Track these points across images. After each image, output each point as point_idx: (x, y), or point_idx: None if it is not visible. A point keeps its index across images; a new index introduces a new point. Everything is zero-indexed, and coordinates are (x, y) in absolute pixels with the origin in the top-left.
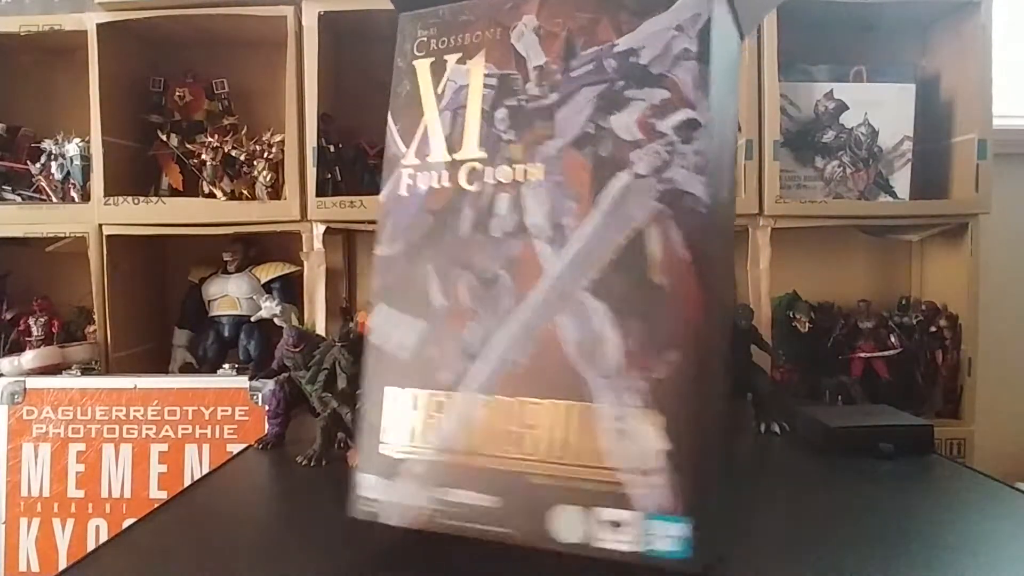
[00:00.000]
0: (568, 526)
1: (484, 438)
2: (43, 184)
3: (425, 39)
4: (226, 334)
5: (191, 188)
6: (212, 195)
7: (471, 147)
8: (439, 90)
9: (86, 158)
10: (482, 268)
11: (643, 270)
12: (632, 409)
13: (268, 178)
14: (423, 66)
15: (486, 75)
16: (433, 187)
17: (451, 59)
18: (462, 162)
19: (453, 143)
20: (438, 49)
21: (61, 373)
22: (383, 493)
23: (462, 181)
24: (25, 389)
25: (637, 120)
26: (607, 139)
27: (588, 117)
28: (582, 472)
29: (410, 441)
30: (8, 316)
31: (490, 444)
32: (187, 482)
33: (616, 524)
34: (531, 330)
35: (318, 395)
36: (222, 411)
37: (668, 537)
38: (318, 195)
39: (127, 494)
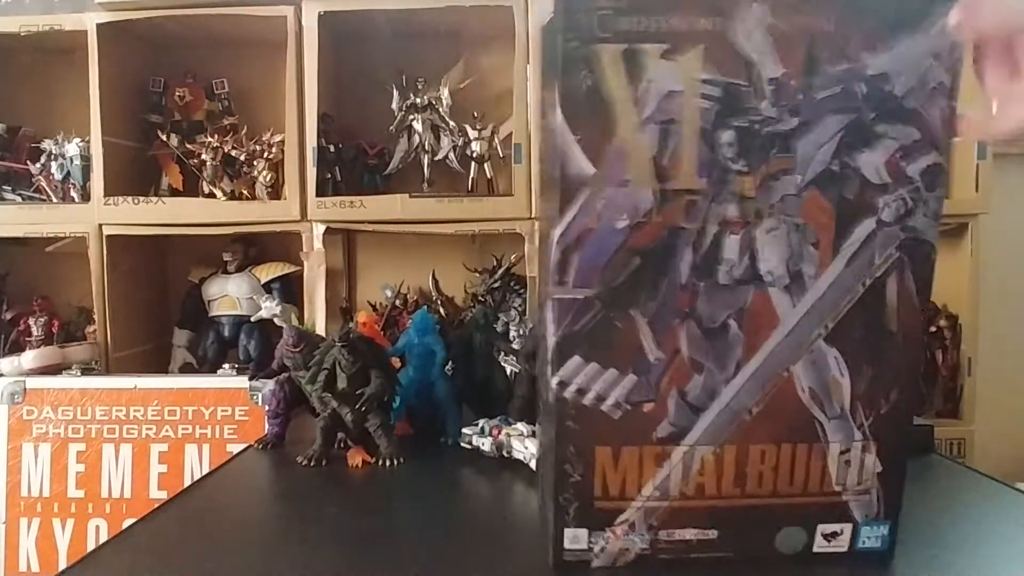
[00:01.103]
0: (789, 542)
1: (708, 482)
2: (43, 184)
3: (611, 14)
4: (226, 334)
5: (191, 188)
6: (212, 195)
7: (688, 175)
8: (638, 93)
9: (86, 158)
10: (707, 317)
11: (879, 317)
12: (857, 443)
13: (268, 178)
14: (612, 55)
15: (705, 81)
16: (639, 221)
17: (652, 50)
18: (677, 192)
19: (664, 167)
20: (631, 32)
21: (61, 373)
22: (595, 542)
23: (678, 217)
24: (25, 389)
25: (887, 161)
26: (853, 180)
27: (833, 152)
28: (804, 499)
29: (626, 494)
30: (8, 316)
31: (712, 487)
32: (187, 482)
33: (835, 534)
34: (764, 379)
35: (318, 395)
36: (222, 411)
37: (874, 537)
38: (318, 195)
39: (127, 494)
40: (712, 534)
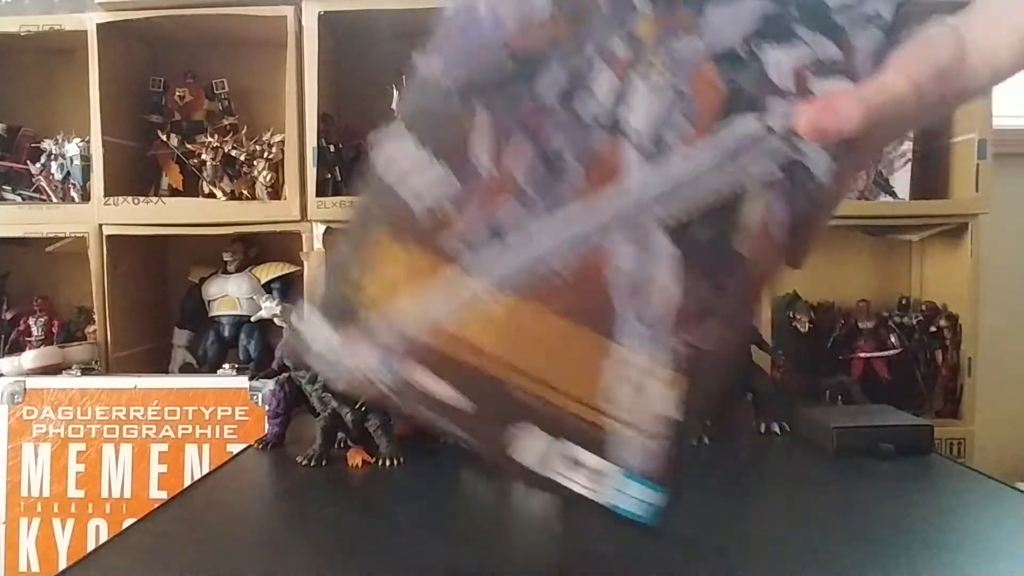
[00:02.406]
0: (533, 448)
1: (479, 331)
2: (43, 184)
3: None
4: (226, 334)
5: (191, 188)
6: (212, 195)
7: None
8: None
9: (86, 158)
10: (553, 148)
11: (731, 232)
12: (661, 369)
13: (268, 178)
14: None
15: None
16: (524, 24)
17: None
18: (575, 9)
19: None
20: None
21: (61, 373)
22: (334, 348)
23: (566, 34)
24: (25, 389)
25: (795, 68)
26: (754, 71)
27: (744, 35)
28: (573, 406)
29: (388, 298)
30: (8, 316)
31: (484, 340)
32: (187, 482)
33: (584, 466)
34: (581, 241)
35: (318, 395)
36: (222, 411)
37: (639, 500)
38: (318, 195)
39: (127, 494)
40: (463, 402)
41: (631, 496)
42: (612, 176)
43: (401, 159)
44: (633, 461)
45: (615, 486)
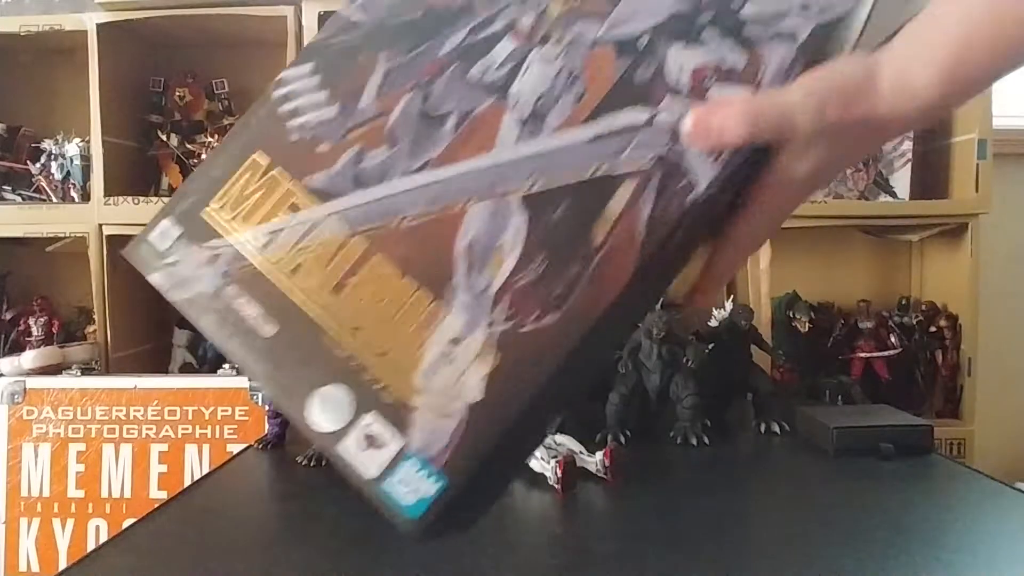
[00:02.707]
0: (328, 407)
1: (310, 267)
2: (43, 184)
3: None
4: None
5: None
6: None
7: None
8: None
9: (86, 158)
10: (436, 99)
11: (589, 220)
12: (475, 342)
13: None
14: None
15: None
16: None
17: None
18: None
19: None
20: None
21: (61, 373)
22: (178, 257)
23: None
24: (25, 389)
25: (695, 70)
26: (652, 64)
27: (650, 26)
28: (387, 376)
29: (238, 221)
30: (8, 316)
31: (311, 275)
32: (187, 482)
33: (371, 439)
34: (439, 197)
35: None
36: (222, 411)
37: (409, 485)
38: None
39: (127, 494)
40: (269, 330)
41: (403, 478)
42: (486, 141)
43: (297, 86)
44: (421, 440)
45: (393, 463)
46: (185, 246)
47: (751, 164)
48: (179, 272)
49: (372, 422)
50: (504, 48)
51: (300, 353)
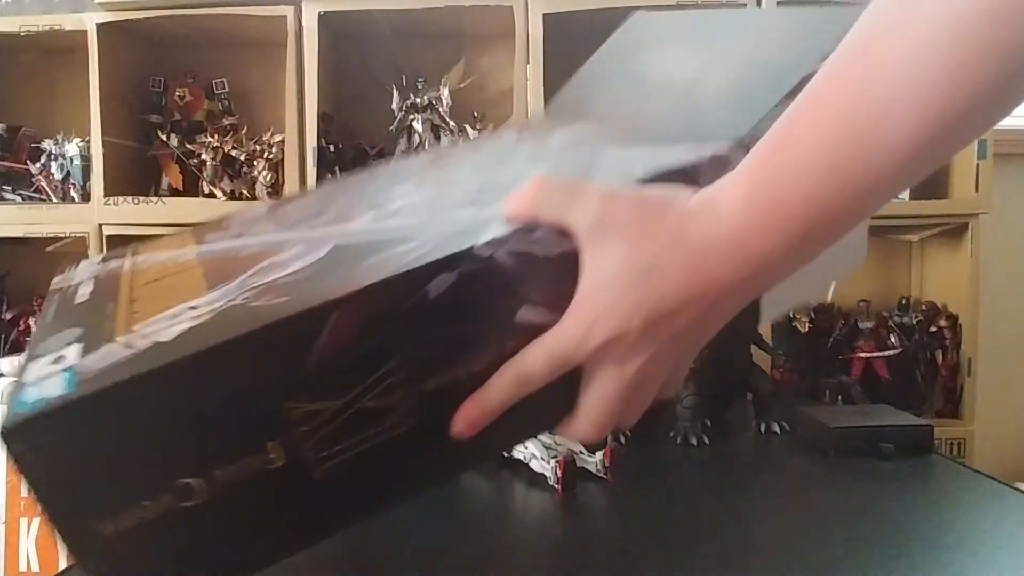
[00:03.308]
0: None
1: (152, 268)
2: (43, 184)
3: None
4: None
5: (191, 188)
6: (212, 195)
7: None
8: None
9: (86, 158)
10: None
11: (358, 257)
12: (208, 308)
13: (268, 178)
14: None
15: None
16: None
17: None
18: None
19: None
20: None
21: None
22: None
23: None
24: None
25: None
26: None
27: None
28: (125, 317)
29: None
30: (8, 316)
31: (146, 275)
32: None
33: (62, 358)
34: (271, 244)
35: None
36: None
37: (45, 388)
38: None
39: None
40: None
41: (43, 385)
42: (346, 221)
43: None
44: (89, 360)
45: (51, 376)
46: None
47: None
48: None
49: (71, 350)
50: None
51: (97, 311)
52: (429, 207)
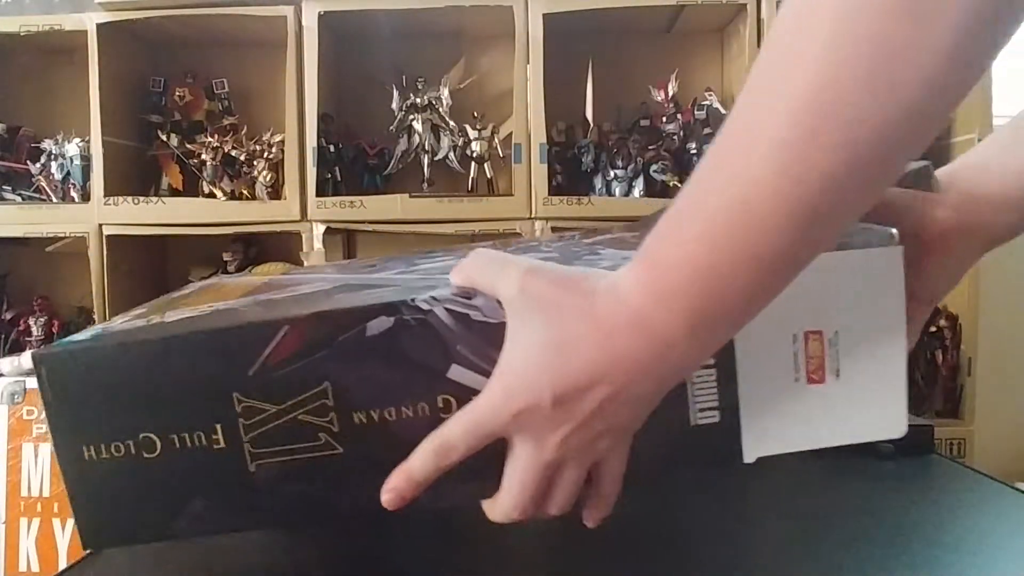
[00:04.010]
0: None
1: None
2: (43, 184)
3: None
4: None
5: (191, 188)
6: (212, 195)
7: None
8: None
9: (86, 158)
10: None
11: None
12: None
13: (268, 178)
14: None
15: None
16: None
17: None
18: None
19: None
20: None
21: None
22: None
23: None
24: (25, 389)
25: None
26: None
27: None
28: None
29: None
30: (8, 316)
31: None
32: None
33: None
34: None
35: None
36: None
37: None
38: (318, 195)
39: None
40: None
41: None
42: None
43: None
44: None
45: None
46: None
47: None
48: None
49: (122, 322)
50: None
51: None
52: (441, 270)
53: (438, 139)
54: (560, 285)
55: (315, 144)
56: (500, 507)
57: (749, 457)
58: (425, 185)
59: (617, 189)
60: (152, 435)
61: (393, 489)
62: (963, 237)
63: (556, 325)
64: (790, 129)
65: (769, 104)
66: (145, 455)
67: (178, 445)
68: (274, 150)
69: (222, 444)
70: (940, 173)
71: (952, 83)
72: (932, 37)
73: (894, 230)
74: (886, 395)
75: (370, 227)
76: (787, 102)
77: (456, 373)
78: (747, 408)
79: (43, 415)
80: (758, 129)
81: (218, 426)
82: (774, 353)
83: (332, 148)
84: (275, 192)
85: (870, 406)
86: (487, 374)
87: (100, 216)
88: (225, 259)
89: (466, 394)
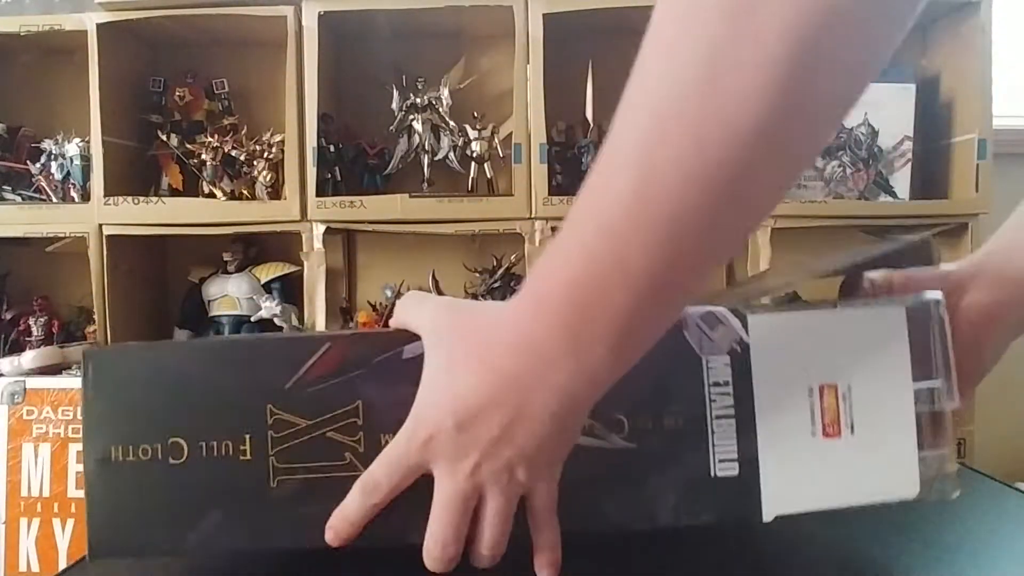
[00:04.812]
0: None
1: None
2: (43, 184)
3: None
4: (226, 334)
5: (191, 188)
6: (212, 195)
7: None
8: None
9: (86, 158)
10: None
11: None
12: None
13: (268, 178)
14: None
15: None
16: None
17: None
18: None
19: None
20: None
21: (61, 373)
22: None
23: None
24: (25, 389)
25: None
26: None
27: None
28: None
29: None
30: (8, 316)
31: None
32: None
33: None
34: None
35: None
36: None
37: None
38: (318, 195)
39: None
40: None
41: None
42: None
43: None
44: None
45: None
46: None
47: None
48: None
49: None
50: None
51: None
52: None
53: (438, 139)
54: (461, 315)
55: (315, 144)
56: (426, 545)
57: (768, 515)
58: (425, 185)
59: None
60: (182, 440)
61: (331, 528)
62: (998, 318)
63: (454, 352)
64: (644, 134)
65: (627, 116)
66: (171, 460)
67: (204, 453)
68: (274, 150)
69: (248, 456)
70: (972, 258)
71: (798, 89)
72: (762, 45)
73: (940, 296)
74: (898, 453)
75: (370, 227)
76: (638, 113)
77: None
78: (765, 462)
79: (43, 415)
80: (619, 140)
81: (247, 436)
82: (792, 405)
83: (332, 148)
84: (275, 192)
85: (883, 464)
86: None
87: (100, 216)
88: (225, 259)
89: None
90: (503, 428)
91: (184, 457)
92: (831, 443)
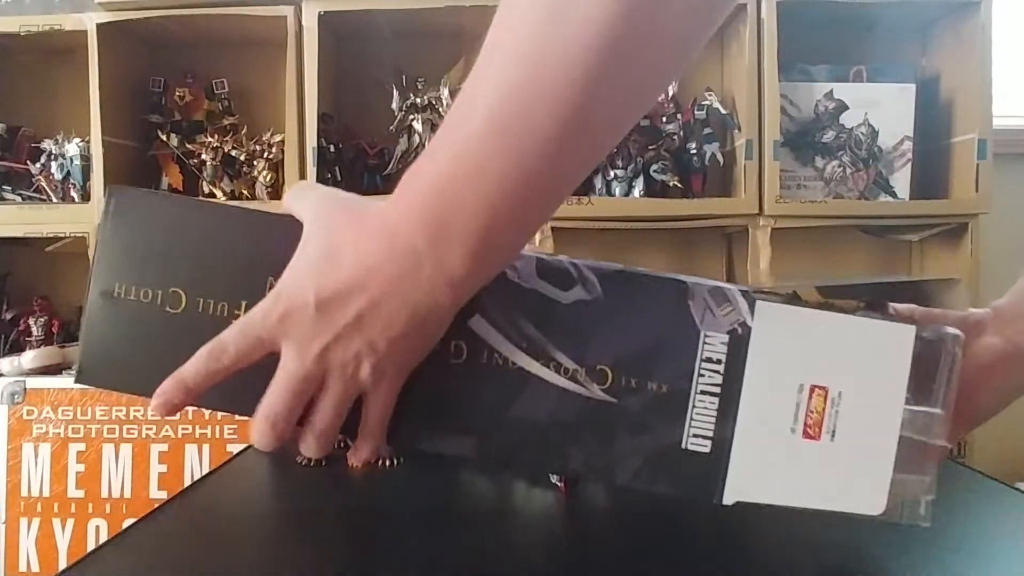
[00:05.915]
0: None
1: None
2: (43, 184)
3: None
4: None
5: (191, 188)
6: (212, 195)
7: None
8: None
9: (86, 158)
10: None
11: None
12: None
13: (268, 178)
14: None
15: None
16: None
17: None
18: None
19: None
20: None
21: (61, 373)
22: None
23: None
24: (25, 389)
25: None
26: None
27: None
28: None
29: None
30: (8, 316)
31: None
32: (187, 482)
33: None
34: None
35: None
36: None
37: None
38: None
39: (127, 494)
40: None
41: None
42: None
43: None
44: None
45: None
46: None
47: None
48: None
49: None
50: None
51: None
52: None
53: None
54: (342, 206)
55: (315, 144)
56: (255, 420)
57: (729, 498)
58: None
59: (617, 189)
60: (182, 292)
61: (162, 394)
62: (1012, 362)
63: (330, 235)
64: (503, 56)
65: (492, 40)
66: (168, 309)
67: (200, 309)
68: (274, 150)
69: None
70: (994, 304)
71: (636, 15)
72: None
73: (961, 334)
74: (872, 470)
75: None
76: (501, 35)
77: (476, 324)
78: (739, 447)
79: (43, 415)
80: (482, 65)
81: (243, 303)
82: (779, 399)
83: (332, 148)
84: (275, 192)
85: (855, 476)
86: (507, 335)
87: (100, 216)
88: None
89: (479, 346)
90: (359, 314)
91: (181, 308)
92: (809, 444)
